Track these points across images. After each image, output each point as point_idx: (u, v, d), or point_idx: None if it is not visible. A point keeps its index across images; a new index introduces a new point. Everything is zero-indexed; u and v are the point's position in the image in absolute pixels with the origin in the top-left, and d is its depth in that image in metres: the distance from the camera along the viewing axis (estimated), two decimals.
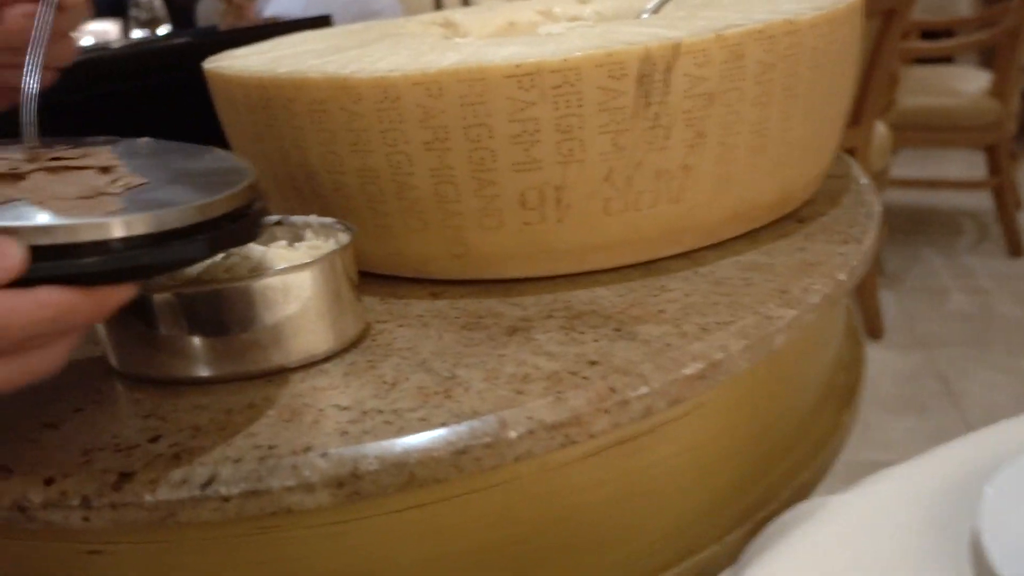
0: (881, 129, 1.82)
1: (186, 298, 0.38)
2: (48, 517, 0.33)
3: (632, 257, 0.48)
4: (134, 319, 0.39)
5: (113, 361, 0.41)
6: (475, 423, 0.35)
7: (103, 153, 0.37)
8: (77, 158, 0.36)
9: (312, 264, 0.39)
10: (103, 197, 0.31)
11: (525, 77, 0.41)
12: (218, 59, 0.55)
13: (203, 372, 0.39)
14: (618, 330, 0.41)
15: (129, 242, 0.30)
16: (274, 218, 0.45)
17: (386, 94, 0.42)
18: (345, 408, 0.36)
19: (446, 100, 0.42)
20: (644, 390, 0.37)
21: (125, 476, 0.33)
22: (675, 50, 0.42)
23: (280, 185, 0.51)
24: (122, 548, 0.36)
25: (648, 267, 0.48)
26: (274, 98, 0.46)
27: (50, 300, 0.28)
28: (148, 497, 0.33)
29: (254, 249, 0.43)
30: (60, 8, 0.38)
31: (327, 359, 0.41)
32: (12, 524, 0.34)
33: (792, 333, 0.41)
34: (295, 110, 0.45)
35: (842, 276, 0.45)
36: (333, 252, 0.41)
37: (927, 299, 1.98)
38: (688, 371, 0.38)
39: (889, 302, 1.96)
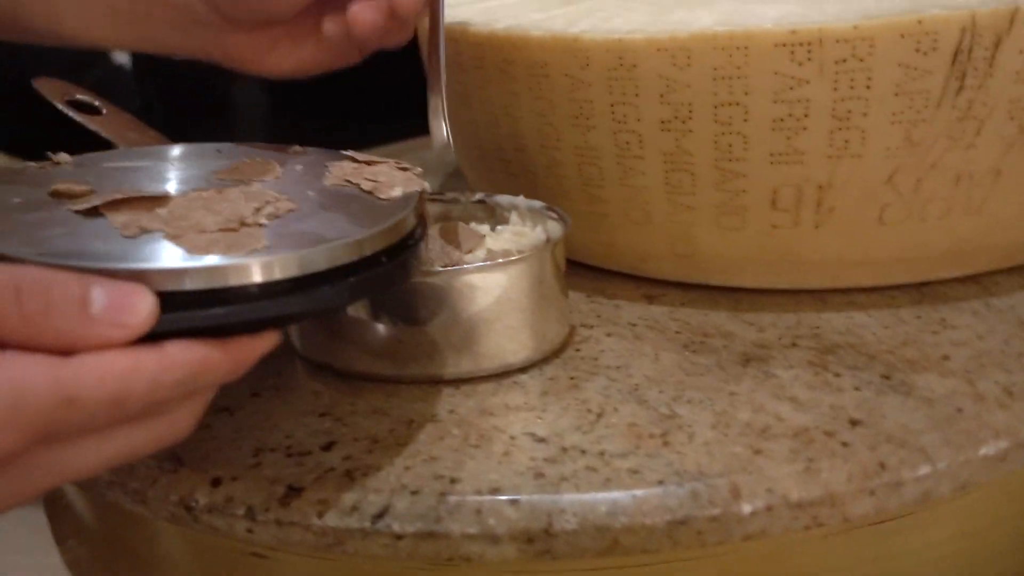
0: None
1: None
2: (212, 522, 0.30)
3: (903, 276, 0.38)
4: None
5: (295, 342, 0.38)
6: (700, 486, 0.28)
7: (264, 167, 0.33)
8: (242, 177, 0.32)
9: (518, 262, 0.34)
10: (246, 230, 0.27)
11: (801, 47, 0.32)
12: None
13: (386, 370, 0.35)
14: (887, 377, 0.32)
15: (272, 288, 0.25)
16: (477, 196, 0.40)
17: (621, 60, 0.35)
18: (541, 440, 0.31)
19: (695, 72, 0.34)
20: (926, 470, 0.28)
21: (294, 491, 0.30)
22: (1011, 17, 0.31)
23: (486, 157, 0.45)
24: (287, 557, 0.33)
25: (921, 291, 0.38)
26: (489, 58, 0.40)
27: (180, 359, 0.23)
28: (315, 520, 0.29)
29: None
30: None
31: (524, 369, 0.35)
32: (177, 519, 0.31)
33: None
34: (512, 73, 0.39)
35: None
36: (544, 247, 0.35)
37: None
38: (987, 451, 0.29)
39: None
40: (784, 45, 0.32)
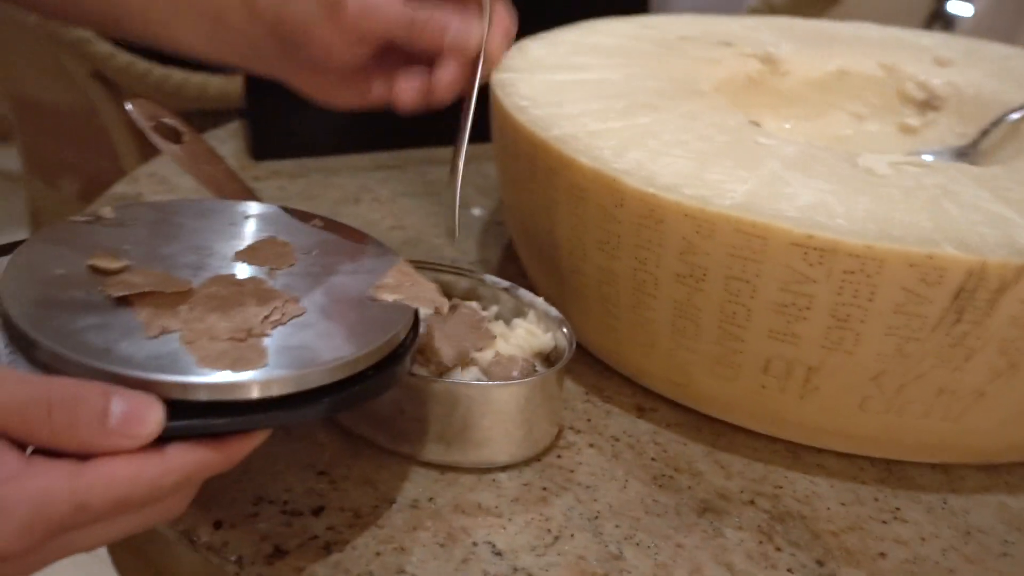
0: None
1: None
2: (210, 557, 0.35)
3: (875, 452, 0.41)
4: None
5: None
6: None
7: (282, 253, 0.37)
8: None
9: (520, 384, 0.37)
10: (252, 341, 0.31)
11: (814, 250, 0.34)
12: (512, 68, 0.51)
13: (382, 441, 0.39)
14: (821, 564, 0.35)
15: (267, 402, 0.29)
16: (504, 284, 0.43)
17: (651, 212, 0.37)
18: (498, 553, 0.35)
19: (714, 243, 0.36)
20: None
21: (279, 552, 0.34)
22: (1020, 271, 0.33)
23: (527, 236, 0.48)
24: None
25: (889, 468, 0.41)
26: (540, 159, 0.42)
27: (179, 464, 0.27)
28: None
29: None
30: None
31: (505, 467, 0.39)
32: (182, 543, 0.36)
33: None
34: (555, 183, 0.42)
35: None
36: (547, 373, 0.38)
37: None
38: None
39: None
40: (799, 245, 0.34)
